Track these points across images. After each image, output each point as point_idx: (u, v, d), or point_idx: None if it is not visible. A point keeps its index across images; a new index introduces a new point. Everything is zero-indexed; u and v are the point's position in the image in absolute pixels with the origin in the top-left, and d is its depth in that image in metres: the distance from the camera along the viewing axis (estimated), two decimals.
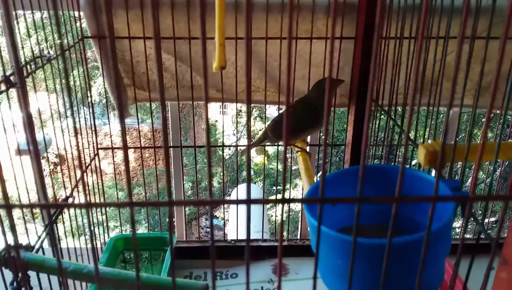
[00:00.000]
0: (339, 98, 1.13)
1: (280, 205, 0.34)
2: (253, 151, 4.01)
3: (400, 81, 0.96)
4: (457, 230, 3.12)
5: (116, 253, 1.09)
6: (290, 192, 1.29)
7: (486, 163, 1.16)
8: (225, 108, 5.49)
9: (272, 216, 4.38)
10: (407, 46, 0.90)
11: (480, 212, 1.17)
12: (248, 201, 0.33)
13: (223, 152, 1.21)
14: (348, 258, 0.37)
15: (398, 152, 0.99)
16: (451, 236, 0.62)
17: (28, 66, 0.74)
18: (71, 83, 0.98)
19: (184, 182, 1.29)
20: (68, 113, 0.93)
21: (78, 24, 1.01)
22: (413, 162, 1.07)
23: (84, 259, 0.98)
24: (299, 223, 1.35)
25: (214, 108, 5.94)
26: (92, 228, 1.07)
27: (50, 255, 0.67)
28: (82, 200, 0.93)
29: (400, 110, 0.93)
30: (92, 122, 1.07)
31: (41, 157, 0.95)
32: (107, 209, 1.36)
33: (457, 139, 0.65)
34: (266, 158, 4.90)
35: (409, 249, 0.54)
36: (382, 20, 0.94)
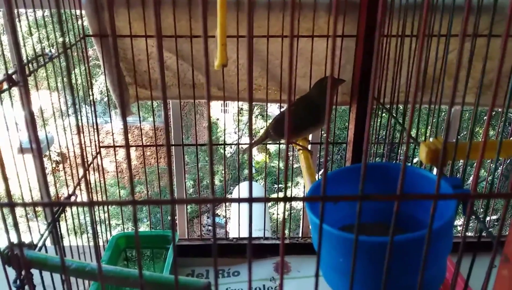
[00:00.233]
0: (340, 96, 1.13)
1: (282, 203, 0.34)
2: (254, 150, 4.01)
3: (401, 79, 0.95)
4: (459, 228, 3.11)
5: (118, 251, 1.09)
6: (291, 190, 1.29)
7: (488, 161, 1.16)
8: (226, 106, 5.49)
9: (273, 214, 4.38)
10: (409, 44, 0.90)
11: (481, 210, 1.17)
12: (250, 200, 0.33)
13: (224, 150, 1.21)
14: (349, 256, 0.37)
15: (399, 150, 0.99)
16: (453, 234, 0.62)
17: (30, 65, 0.74)
18: (73, 81, 0.98)
19: (185, 180, 1.29)
20: (70, 111, 0.93)
21: (79, 22, 1.02)
22: (415, 160, 1.07)
23: (86, 257, 0.98)
24: (301, 221, 1.35)
25: (215, 106, 5.94)
26: (95, 226, 1.07)
27: (53, 253, 0.68)
28: (85, 198, 0.94)
29: (401, 108, 0.93)
30: (94, 121, 1.08)
31: (43, 156, 0.95)
32: (109, 207, 1.36)
33: (459, 137, 0.65)
34: (267, 156, 4.90)
35: (411, 247, 0.54)
36: (384, 18, 0.94)
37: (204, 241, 1.23)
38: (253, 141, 1.08)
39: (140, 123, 1.14)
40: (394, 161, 1.05)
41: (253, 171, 5.22)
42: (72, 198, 0.86)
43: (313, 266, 0.32)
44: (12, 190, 0.36)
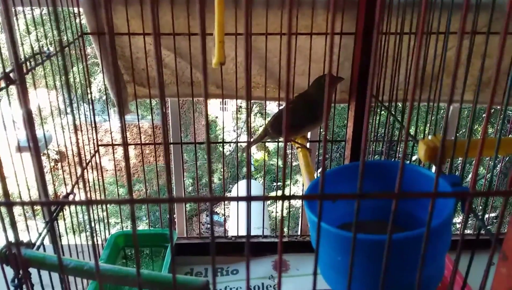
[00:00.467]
0: (339, 94, 1.13)
1: (280, 202, 0.34)
2: (253, 147, 4.01)
3: (400, 76, 0.95)
4: (458, 226, 3.12)
5: (117, 250, 1.09)
6: (290, 188, 1.29)
7: (487, 158, 1.16)
8: (225, 104, 5.49)
9: (272, 212, 4.38)
10: (407, 41, 0.89)
11: (480, 207, 1.17)
12: (248, 198, 0.33)
13: (223, 149, 1.21)
14: (348, 254, 0.37)
15: (398, 148, 0.99)
16: (451, 231, 0.62)
17: (28, 63, 0.74)
18: (71, 80, 0.98)
19: (184, 179, 1.29)
20: (69, 109, 0.93)
21: (77, 20, 1.01)
22: (414, 158, 1.07)
23: (85, 256, 0.98)
24: (300, 219, 1.35)
25: (214, 104, 5.93)
26: (93, 225, 1.07)
27: (51, 252, 0.67)
28: (83, 197, 0.93)
29: (400, 105, 0.93)
30: (92, 119, 1.07)
31: (41, 154, 0.95)
32: (108, 205, 1.36)
33: (458, 134, 0.65)
34: (266, 154, 4.90)
35: (409, 245, 0.54)
36: (382, 15, 0.94)
37: (203, 239, 1.23)
38: (252, 140, 1.08)
39: (138, 121, 1.14)
40: (393, 159, 1.05)
41: (252, 169, 5.22)
42: (71, 197, 0.86)
43: (312, 264, 0.32)
44: (10, 189, 0.36)
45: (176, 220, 1.32)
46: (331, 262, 0.60)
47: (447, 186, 0.57)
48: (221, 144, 1.26)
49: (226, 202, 2.67)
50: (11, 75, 0.63)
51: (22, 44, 0.88)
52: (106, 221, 1.14)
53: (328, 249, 0.59)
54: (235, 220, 1.29)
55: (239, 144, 1.28)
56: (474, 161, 0.40)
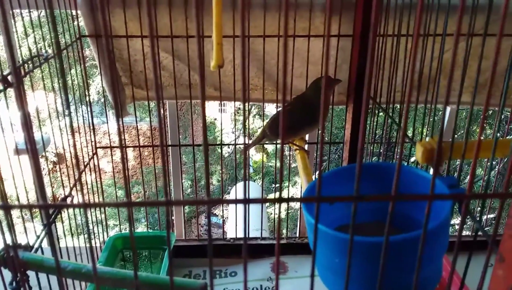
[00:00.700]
0: (337, 96, 1.13)
1: (278, 204, 0.34)
2: (252, 149, 4.01)
3: (398, 78, 0.96)
4: (456, 227, 3.12)
5: (115, 252, 1.09)
6: (288, 189, 1.30)
7: (485, 159, 1.17)
8: (224, 106, 5.49)
9: (271, 213, 4.38)
10: (405, 43, 0.90)
11: (479, 208, 1.17)
12: (246, 201, 0.33)
13: (221, 150, 1.21)
14: (345, 256, 0.37)
15: (396, 149, 0.99)
16: (449, 233, 0.62)
17: (26, 65, 0.74)
18: (69, 82, 0.98)
19: (183, 180, 1.29)
20: (66, 112, 0.93)
21: (75, 22, 1.01)
22: (412, 159, 1.07)
23: (83, 258, 0.98)
24: (298, 220, 1.36)
25: (212, 106, 5.92)
26: (91, 227, 1.07)
27: (49, 254, 0.67)
28: (81, 199, 0.93)
29: (398, 107, 0.93)
30: (91, 121, 1.07)
31: (39, 156, 0.95)
32: (106, 207, 1.36)
33: (456, 136, 0.65)
34: (265, 155, 4.90)
35: (406, 247, 0.54)
36: (379, 17, 0.94)
37: (201, 241, 1.23)
38: (250, 142, 1.08)
39: (136, 123, 1.14)
40: (391, 161, 1.05)
41: (251, 170, 5.22)
42: (69, 199, 0.86)
43: (310, 266, 0.32)
44: (8, 192, 0.36)
45: (174, 222, 1.32)
46: (329, 264, 0.60)
47: (445, 188, 0.57)
48: (220, 146, 1.26)
49: (224, 204, 2.67)
50: (9, 77, 0.63)
51: (20, 46, 0.88)
52: (104, 223, 1.14)
53: (326, 251, 0.59)
54: (233, 222, 1.29)
55: (237, 146, 1.28)
56: (471, 163, 0.40)
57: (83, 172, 1.00)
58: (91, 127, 1.07)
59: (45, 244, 0.74)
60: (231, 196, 2.89)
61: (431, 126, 0.79)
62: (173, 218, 1.32)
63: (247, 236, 0.33)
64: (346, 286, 0.38)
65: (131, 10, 1.00)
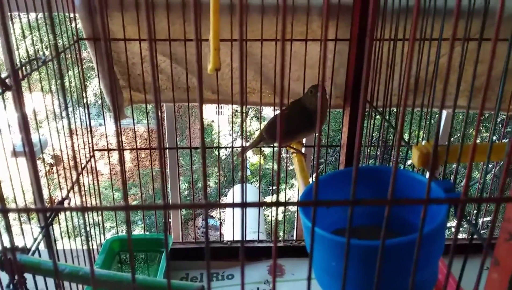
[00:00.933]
0: (334, 100, 1.14)
1: (275, 207, 0.34)
2: (249, 151, 4.00)
3: (394, 82, 0.96)
4: (453, 229, 3.13)
5: (112, 255, 1.09)
6: (286, 192, 1.30)
7: (482, 162, 1.17)
8: (221, 108, 5.49)
9: (268, 216, 4.38)
10: (401, 47, 0.90)
11: (475, 211, 1.18)
12: (243, 205, 0.34)
13: (218, 153, 1.21)
14: (342, 259, 0.37)
15: (393, 152, 0.99)
16: (445, 236, 0.62)
17: (24, 68, 0.74)
18: (67, 84, 0.98)
19: (180, 183, 1.29)
20: (64, 114, 0.93)
21: (73, 24, 1.01)
22: (409, 162, 1.08)
23: (80, 261, 0.98)
24: (295, 223, 1.36)
25: (210, 108, 5.93)
26: (88, 229, 1.07)
27: (47, 257, 0.67)
28: (78, 201, 0.93)
29: (395, 110, 0.93)
30: (88, 123, 1.08)
31: (37, 158, 0.95)
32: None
33: (453, 139, 0.66)
34: (262, 158, 4.90)
35: (402, 250, 0.54)
36: (376, 22, 0.95)
37: (198, 244, 1.23)
38: (247, 146, 1.09)
39: (134, 125, 1.14)
40: (388, 164, 1.06)
41: (248, 173, 5.22)
42: (66, 202, 0.86)
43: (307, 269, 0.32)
44: (5, 193, 0.36)
45: (171, 224, 1.32)
46: (326, 267, 0.60)
47: (440, 191, 0.57)
48: (217, 148, 1.26)
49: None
50: (7, 81, 0.63)
51: (18, 47, 0.88)
52: (101, 225, 1.14)
53: (323, 254, 0.59)
54: (230, 225, 1.30)
55: (235, 149, 1.29)
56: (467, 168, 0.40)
57: (80, 175, 1.00)
58: (89, 129, 1.08)
59: (42, 246, 0.74)
60: (228, 198, 2.88)
61: (428, 129, 0.80)
62: (170, 220, 1.32)
63: (244, 239, 0.34)
64: (343, 289, 0.39)
65: (129, 13, 1.00)
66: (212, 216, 5.07)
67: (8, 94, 0.70)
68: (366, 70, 0.32)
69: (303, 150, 1.11)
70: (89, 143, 1.08)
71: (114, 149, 1.17)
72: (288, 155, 1.31)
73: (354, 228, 0.74)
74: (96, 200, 1.12)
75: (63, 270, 0.59)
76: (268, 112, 4.35)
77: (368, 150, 1.13)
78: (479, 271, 0.42)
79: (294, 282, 1.13)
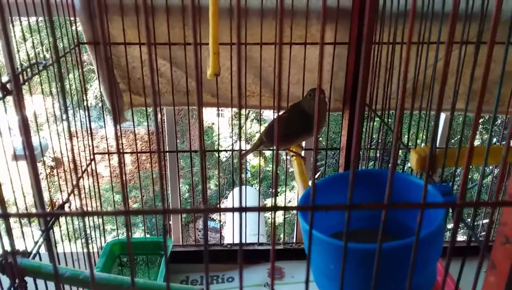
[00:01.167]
0: (333, 103, 1.14)
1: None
2: (250, 154, 3.99)
3: (393, 85, 0.97)
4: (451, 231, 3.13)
5: (112, 258, 1.09)
6: (285, 194, 1.30)
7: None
8: (222, 111, 5.49)
9: (269, 218, 4.38)
10: (400, 51, 0.91)
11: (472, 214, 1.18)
12: (242, 209, 0.34)
13: (219, 156, 1.22)
14: (340, 263, 0.38)
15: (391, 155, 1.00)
16: (443, 239, 0.63)
17: (24, 72, 0.74)
18: (67, 87, 0.98)
19: (180, 185, 1.29)
20: (64, 117, 0.93)
21: (73, 27, 1.02)
22: (408, 165, 1.08)
23: (81, 264, 0.98)
24: (295, 225, 1.36)
25: (210, 111, 5.93)
26: (89, 232, 1.07)
27: (47, 260, 0.68)
28: (79, 204, 0.93)
29: (394, 113, 0.94)
30: (88, 126, 1.08)
31: (37, 162, 0.95)
32: None
33: (453, 141, 0.66)
34: (263, 160, 4.91)
35: (400, 253, 0.54)
36: (375, 25, 0.95)
37: (198, 247, 1.23)
38: (247, 150, 1.09)
39: (134, 128, 1.15)
40: (387, 165, 1.06)
41: (249, 175, 5.22)
42: (67, 205, 0.87)
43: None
44: (6, 196, 0.36)
45: (172, 227, 1.33)
46: (324, 270, 0.60)
47: (438, 195, 0.57)
48: (217, 151, 1.26)
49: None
50: (8, 85, 0.63)
51: (18, 51, 0.88)
52: (102, 228, 1.14)
53: (321, 258, 0.59)
54: (230, 228, 1.30)
55: (235, 151, 1.29)
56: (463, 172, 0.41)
57: (81, 178, 1.00)
58: (89, 132, 1.08)
59: (42, 249, 0.74)
60: (228, 200, 2.88)
61: (426, 132, 0.80)
62: (170, 223, 1.33)
63: (242, 243, 0.34)
64: None
65: (129, 17, 1.01)
66: (212, 218, 5.07)
67: (9, 98, 0.71)
68: (363, 73, 0.32)
69: (302, 153, 1.12)
70: (89, 146, 1.08)
71: (114, 153, 1.17)
72: (288, 157, 1.31)
73: (353, 232, 0.74)
74: (96, 203, 1.12)
75: (64, 273, 0.59)
76: (269, 114, 4.35)
77: (368, 152, 1.14)
78: (476, 274, 0.43)
79: (293, 285, 1.13)
